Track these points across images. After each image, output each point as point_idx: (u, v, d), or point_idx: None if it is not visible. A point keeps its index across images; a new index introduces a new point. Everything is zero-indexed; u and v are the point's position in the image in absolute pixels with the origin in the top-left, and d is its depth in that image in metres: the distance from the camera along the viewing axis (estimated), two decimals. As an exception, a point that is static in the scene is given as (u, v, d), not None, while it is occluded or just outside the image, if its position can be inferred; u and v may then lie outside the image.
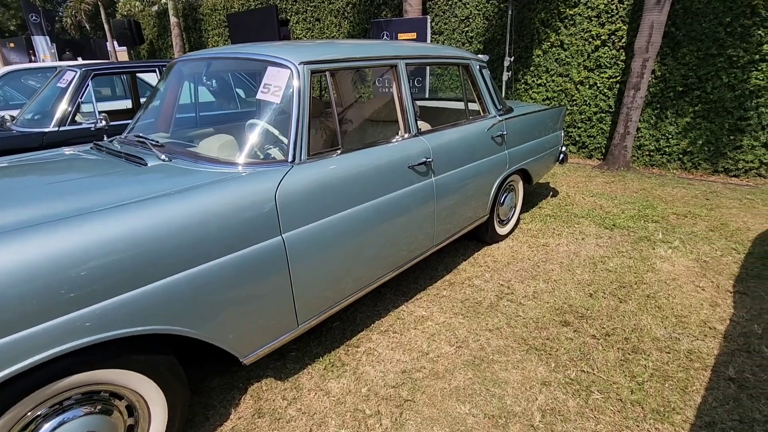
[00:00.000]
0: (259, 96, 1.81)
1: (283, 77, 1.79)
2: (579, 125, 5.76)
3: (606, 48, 5.30)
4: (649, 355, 2.10)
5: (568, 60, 5.62)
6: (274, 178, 1.64)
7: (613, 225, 3.68)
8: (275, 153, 1.82)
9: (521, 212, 3.93)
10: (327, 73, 1.92)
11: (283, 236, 1.64)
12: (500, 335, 2.28)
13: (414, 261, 2.43)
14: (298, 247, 1.69)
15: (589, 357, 2.11)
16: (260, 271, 1.59)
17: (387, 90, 6.25)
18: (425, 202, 2.31)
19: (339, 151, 1.93)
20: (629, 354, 2.12)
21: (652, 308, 2.49)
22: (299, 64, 1.80)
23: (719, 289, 2.67)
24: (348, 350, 2.20)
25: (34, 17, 13.07)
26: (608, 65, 5.33)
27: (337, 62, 1.96)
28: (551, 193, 4.55)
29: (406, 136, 2.28)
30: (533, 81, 6.01)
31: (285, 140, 1.78)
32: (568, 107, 5.80)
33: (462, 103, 2.90)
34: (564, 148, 4.06)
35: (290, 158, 1.74)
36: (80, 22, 14.06)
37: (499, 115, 2.98)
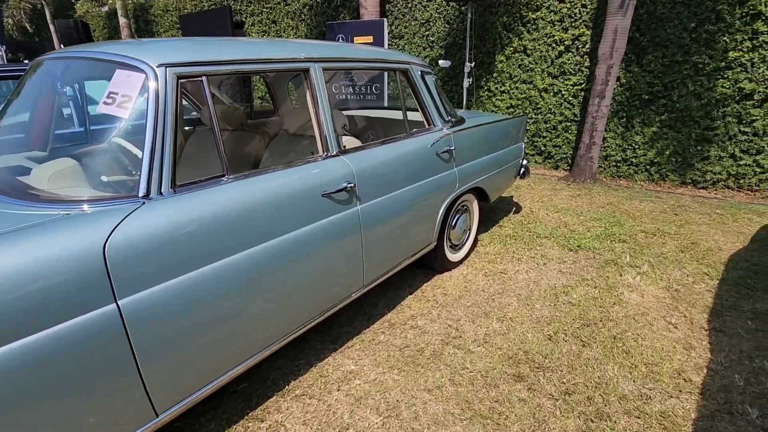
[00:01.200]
0: (101, 108, 1.35)
1: (135, 84, 1.34)
2: (544, 134, 5.48)
3: (570, 54, 5.04)
4: (615, 422, 1.73)
5: (532, 66, 5.34)
6: (106, 221, 1.18)
7: (578, 246, 3.35)
8: (125, 185, 1.37)
9: (479, 232, 3.57)
10: (203, 79, 1.48)
11: (118, 303, 1.18)
12: (440, 397, 1.88)
13: (337, 308, 2.00)
14: (146, 317, 1.24)
15: (544, 426, 1.72)
16: (87, 352, 1.14)
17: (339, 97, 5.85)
18: (347, 237, 1.89)
19: (224, 179, 1.49)
20: (592, 420, 1.74)
21: (619, 354, 2.13)
22: (158, 67, 1.36)
23: (693, 325, 2.35)
24: (248, 426, 1.74)
25: None
26: (572, 72, 5.08)
27: (218, 65, 1.52)
28: (514, 209, 4.22)
29: (324, 156, 1.86)
30: (496, 88, 5.71)
31: (136, 168, 1.33)
32: (532, 115, 5.52)
33: (412, 114, 2.52)
34: (525, 162, 3.73)
35: (141, 192, 1.29)
36: (20, 22, 13.12)
37: (447, 128, 2.60)
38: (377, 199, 2.02)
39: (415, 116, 2.69)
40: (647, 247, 3.33)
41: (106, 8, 11.59)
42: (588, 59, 4.94)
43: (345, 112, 3.36)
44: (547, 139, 5.47)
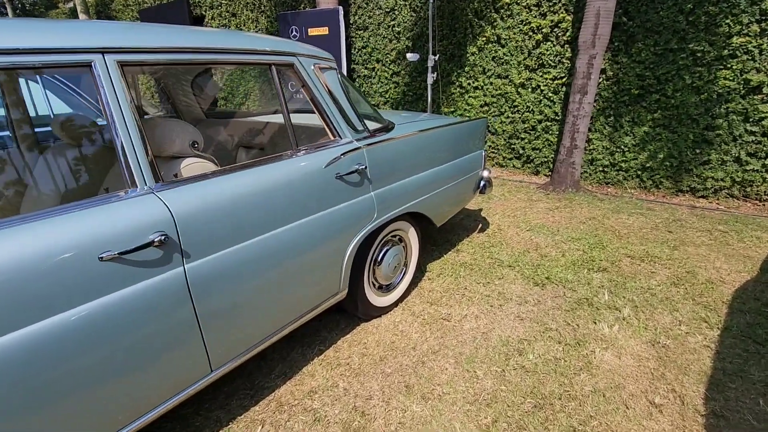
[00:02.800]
0: None
1: None
2: (522, 136, 4.84)
3: (549, 43, 4.39)
4: None
5: (507, 58, 4.69)
6: None
7: (547, 278, 2.72)
8: None
9: (428, 259, 2.95)
10: None
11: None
12: None
13: (175, 402, 1.39)
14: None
15: None
16: None
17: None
18: (163, 312, 1.27)
19: None
20: None
21: (577, 461, 1.51)
22: None
23: (684, 406, 1.73)
24: None
25: None
26: (552, 64, 4.43)
27: None
28: (479, 227, 3.59)
29: (123, 195, 1.24)
30: (469, 84, 5.07)
31: None
32: (509, 114, 4.87)
33: (323, 121, 1.89)
34: (486, 173, 3.09)
35: None
36: None
37: (359, 140, 1.97)
38: (224, 251, 1.40)
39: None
40: (632, 279, 2.70)
41: (71, 4, 10.97)
42: (569, 49, 4.28)
43: (242, 119, 2.73)
44: (526, 141, 4.83)
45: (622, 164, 4.28)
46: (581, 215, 3.77)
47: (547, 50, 4.40)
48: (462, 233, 3.47)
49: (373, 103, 5.97)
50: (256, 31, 6.82)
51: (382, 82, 5.78)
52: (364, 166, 1.91)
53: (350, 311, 2.26)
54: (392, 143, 2.12)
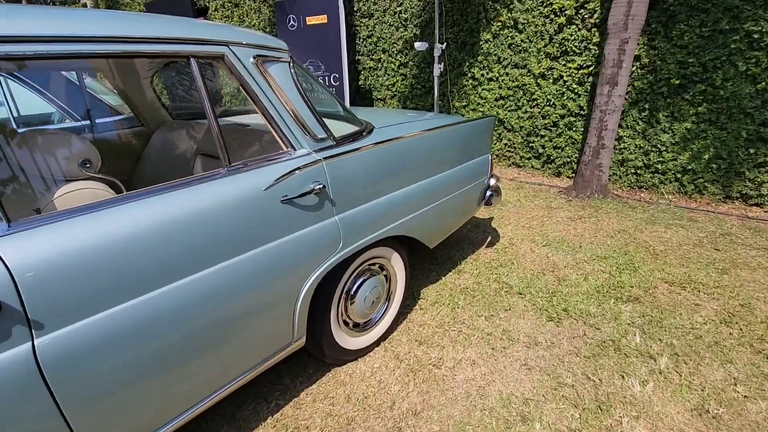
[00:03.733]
0: None
1: None
2: (542, 133, 4.31)
3: (573, 27, 3.84)
4: None
5: (525, 45, 4.16)
6: None
7: (564, 310, 2.26)
8: None
9: (424, 282, 2.52)
10: None
11: None
12: None
13: None
14: None
15: None
16: None
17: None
18: (9, 400, 0.91)
19: None
20: None
21: None
22: None
23: None
24: None
25: None
26: (577, 51, 3.87)
27: None
28: (488, 240, 3.13)
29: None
30: (482, 75, 4.56)
31: None
32: (527, 109, 4.34)
33: (271, 129, 1.48)
34: (493, 181, 2.63)
35: None
36: None
37: (319, 150, 1.56)
38: (96, 315, 1.02)
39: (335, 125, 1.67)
40: (670, 313, 2.20)
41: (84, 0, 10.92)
42: (597, 33, 3.72)
43: (204, 121, 2.35)
44: (546, 138, 4.30)
45: (659, 165, 3.71)
46: (609, 227, 3.25)
47: (572, 35, 3.85)
48: (467, 248, 3.02)
49: (380, 97, 5.54)
50: (259, 23, 6.47)
51: (388, 75, 5.33)
52: (322, 185, 1.50)
53: (316, 356, 1.87)
54: (365, 153, 1.70)
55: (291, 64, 1.54)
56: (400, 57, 5.12)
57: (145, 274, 1.10)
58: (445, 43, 4.03)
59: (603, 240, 3.05)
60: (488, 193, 2.60)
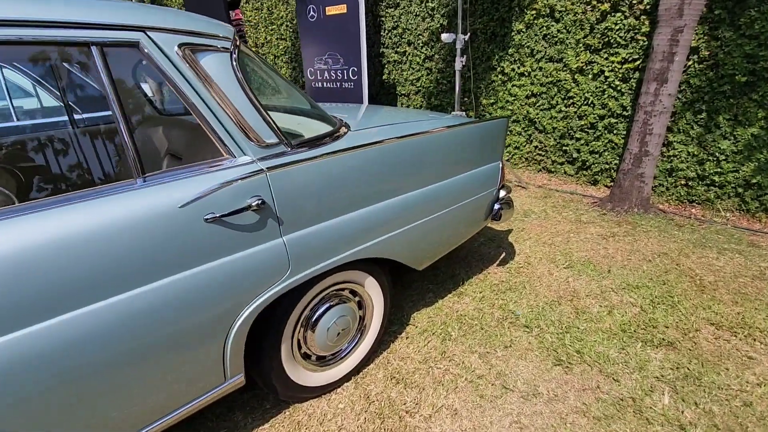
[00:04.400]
0: None
1: None
2: (577, 135, 3.83)
3: (618, 14, 3.34)
4: None
5: (562, 36, 3.70)
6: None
7: (577, 353, 1.89)
8: None
9: (417, 303, 2.22)
10: None
11: None
12: None
13: None
14: None
15: None
16: None
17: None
18: None
19: None
20: None
21: None
22: None
23: None
24: None
25: None
26: (622, 42, 3.37)
27: None
28: (502, 255, 2.77)
29: None
30: (513, 70, 4.13)
31: None
32: (562, 108, 3.88)
33: (206, 132, 1.25)
34: (504, 193, 2.28)
35: None
36: None
37: (265, 157, 1.30)
38: None
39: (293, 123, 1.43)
40: (713, 368, 1.77)
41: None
42: (647, 22, 3.21)
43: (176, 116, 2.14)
44: (582, 141, 3.82)
45: (716, 177, 3.16)
46: (647, 248, 2.78)
47: (616, 24, 3.36)
48: (474, 265, 2.67)
49: (403, 92, 5.22)
50: (287, 14, 6.31)
51: (413, 68, 5.00)
52: (260, 200, 1.24)
53: (270, 392, 1.63)
54: (328, 161, 1.42)
55: (233, 54, 1.29)
56: (426, 50, 4.78)
57: (23, 304, 0.89)
58: (469, 34, 3.64)
59: (638, 264, 2.60)
60: (496, 206, 2.25)
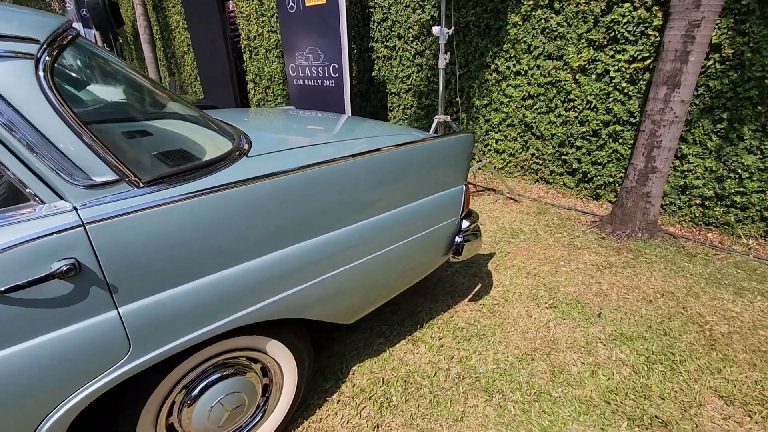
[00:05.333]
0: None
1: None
2: (578, 143, 3.38)
3: (627, 5, 2.87)
4: None
5: (563, 30, 3.24)
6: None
7: (543, 434, 1.50)
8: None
9: (363, 352, 1.85)
10: None
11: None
12: None
13: None
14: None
15: None
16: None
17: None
18: None
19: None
20: None
21: None
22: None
23: None
24: None
25: (84, 12, 12.50)
26: (630, 38, 2.91)
27: None
28: (476, 288, 2.38)
29: None
30: (508, 68, 3.68)
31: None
32: (561, 112, 3.43)
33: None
34: (468, 223, 1.89)
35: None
36: (49, 5, 13.27)
37: (87, 205, 0.95)
38: None
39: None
40: (718, 468, 1.37)
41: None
42: (661, 14, 2.74)
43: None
44: (584, 150, 3.37)
45: (737, 198, 2.69)
46: (649, 285, 2.35)
47: (624, 16, 2.89)
48: (442, 299, 2.29)
49: (394, 90, 4.82)
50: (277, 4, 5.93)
51: (403, 65, 4.59)
52: (71, 264, 0.89)
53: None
54: (193, 204, 1.06)
55: (41, 63, 0.94)
56: (416, 44, 4.36)
57: None
58: (453, 27, 3.21)
59: (636, 306, 2.18)
60: (458, 239, 1.86)
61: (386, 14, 4.53)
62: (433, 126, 3.34)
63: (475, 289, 2.39)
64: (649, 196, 2.68)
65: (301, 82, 4.53)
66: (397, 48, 4.57)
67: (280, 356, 1.41)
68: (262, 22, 6.34)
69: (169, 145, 1.25)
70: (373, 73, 4.96)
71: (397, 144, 1.54)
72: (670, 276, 2.42)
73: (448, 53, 3.16)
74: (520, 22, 3.47)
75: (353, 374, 1.80)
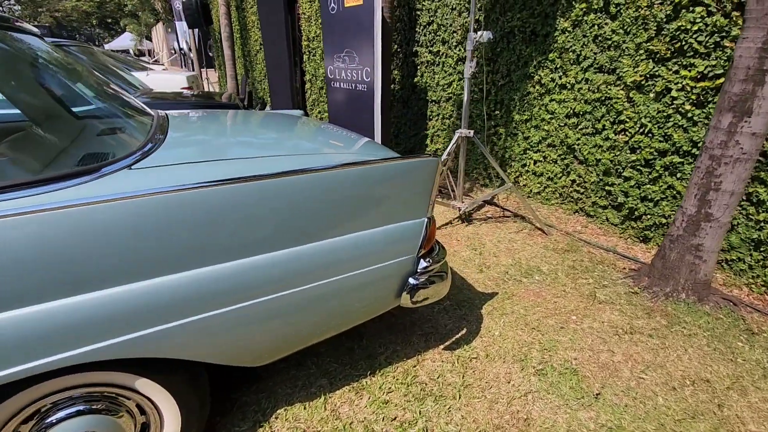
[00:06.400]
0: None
1: None
2: (627, 173, 2.84)
3: (699, 9, 2.32)
4: None
5: (618, 38, 2.73)
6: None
7: None
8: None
9: (294, 397, 1.64)
10: None
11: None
12: None
13: None
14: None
15: None
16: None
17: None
18: None
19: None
20: None
21: None
22: None
23: None
24: None
25: (177, 3, 13.61)
26: (701, 50, 2.35)
27: None
28: (458, 336, 2.04)
29: None
30: (552, 80, 3.22)
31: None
32: (609, 135, 2.90)
33: None
34: (426, 264, 1.58)
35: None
36: (153, 6, 14.61)
37: None
38: None
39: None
40: None
41: None
42: (741, 21, 2.15)
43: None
44: (633, 183, 2.82)
45: (831, 265, 2.03)
46: (679, 365, 1.84)
47: (694, 23, 2.34)
48: (415, 341, 1.99)
49: (434, 98, 4.51)
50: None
51: (445, 71, 4.26)
52: None
53: None
54: (30, 220, 0.93)
55: None
56: (459, 50, 4.02)
57: None
58: (482, 32, 2.84)
59: (652, 391, 1.70)
60: (413, 281, 1.56)
61: (432, 17, 4.25)
62: (453, 141, 3.01)
63: (457, 336, 2.05)
64: (699, 250, 2.12)
65: (337, 85, 4.41)
66: (440, 53, 4.27)
67: (157, 397, 1.23)
68: (320, 23, 6.36)
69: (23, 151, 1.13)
70: (416, 79, 4.70)
71: (335, 165, 1.30)
72: (712, 357, 1.88)
73: (475, 61, 2.81)
74: (570, 29, 3.00)
75: (276, 419, 1.59)
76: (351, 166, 1.34)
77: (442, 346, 1.98)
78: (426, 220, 1.55)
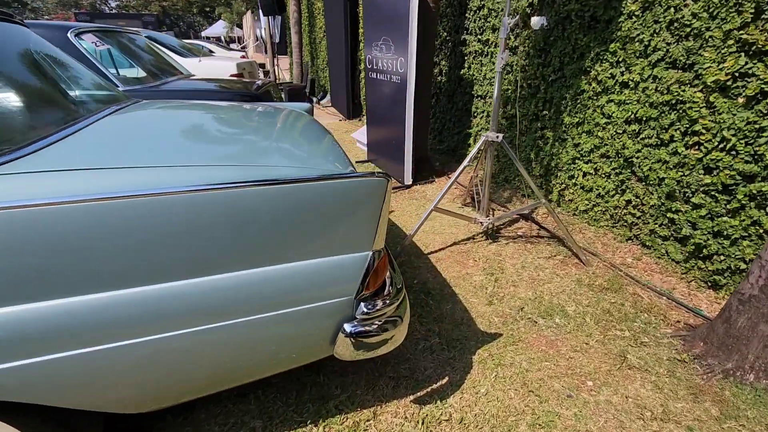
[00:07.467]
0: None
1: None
2: (698, 200, 2.22)
3: (823, -16, 1.66)
4: None
5: (700, 25, 2.11)
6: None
7: None
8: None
9: None
10: None
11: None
12: None
13: None
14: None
15: None
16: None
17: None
18: None
19: None
20: None
21: None
22: None
23: None
24: None
25: None
26: (820, 40, 1.69)
27: None
28: (437, 384, 1.69)
29: None
30: (612, 76, 2.63)
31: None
32: (678, 148, 2.29)
33: None
34: (367, 309, 1.26)
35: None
36: None
37: None
38: None
39: None
40: None
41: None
42: None
43: None
44: (703, 211, 2.19)
45: None
46: (725, 480, 1.32)
47: (815, 3, 1.68)
48: (379, 386, 1.67)
49: (480, 93, 4.02)
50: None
51: (493, 62, 3.76)
52: None
53: None
54: None
55: None
56: (510, 39, 3.50)
57: None
58: (535, 17, 2.34)
59: None
60: (349, 328, 1.25)
61: (483, 1, 3.76)
62: (477, 146, 2.58)
63: (434, 386, 1.70)
64: (781, 320, 1.53)
65: (374, 76, 4.11)
66: (490, 42, 3.77)
67: (13, 438, 1.07)
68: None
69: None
70: (462, 71, 4.23)
71: (246, 182, 1.03)
72: (778, 478, 1.33)
73: (507, 52, 2.35)
74: (639, 13, 2.40)
75: (189, 463, 1.38)
76: (267, 184, 1.06)
77: (411, 397, 1.64)
78: (370, 254, 1.22)
